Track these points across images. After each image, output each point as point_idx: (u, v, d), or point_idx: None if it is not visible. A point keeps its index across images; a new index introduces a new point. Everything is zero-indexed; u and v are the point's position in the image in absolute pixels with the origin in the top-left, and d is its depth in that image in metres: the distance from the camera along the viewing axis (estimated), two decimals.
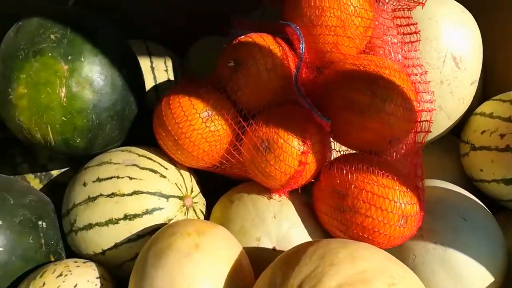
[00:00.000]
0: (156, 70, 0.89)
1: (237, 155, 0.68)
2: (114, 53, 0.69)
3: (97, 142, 0.71)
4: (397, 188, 0.63)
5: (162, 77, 0.90)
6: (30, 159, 0.83)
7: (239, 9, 0.85)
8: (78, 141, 0.68)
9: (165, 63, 0.92)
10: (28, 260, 0.63)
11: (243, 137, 0.66)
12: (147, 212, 0.65)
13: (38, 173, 0.83)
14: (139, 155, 0.70)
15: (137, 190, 0.66)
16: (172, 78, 0.92)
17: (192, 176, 0.75)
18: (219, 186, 0.81)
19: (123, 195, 0.65)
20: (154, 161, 0.70)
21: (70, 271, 0.60)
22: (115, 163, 0.68)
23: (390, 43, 0.67)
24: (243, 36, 0.71)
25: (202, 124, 0.66)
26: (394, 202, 0.62)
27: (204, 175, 0.78)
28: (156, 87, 0.89)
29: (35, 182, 0.82)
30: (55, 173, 0.83)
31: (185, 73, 0.79)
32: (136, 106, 0.73)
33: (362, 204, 0.63)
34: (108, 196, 0.65)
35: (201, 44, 1.03)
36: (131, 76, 0.72)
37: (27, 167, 0.83)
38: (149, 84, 0.85)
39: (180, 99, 0.67)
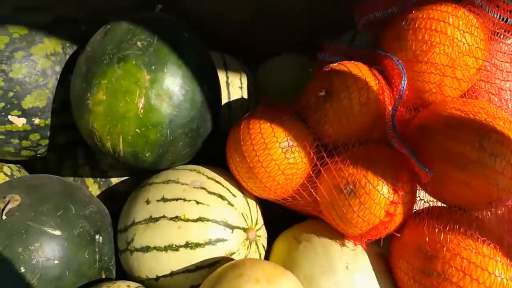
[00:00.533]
0: (231, 87, 0.85)
1: (314, 193, 0.61)
2: (197, 67, 0.65)
3: (166, 158, 0.67)
4: (499, 259, 0.54)
5: (236, 94, 0.86)
6: (92, 163, 0.81)
7: (326, 29, 0.79)
8: (147, 155, 0.64)
9: (240, 79, 0.87)
10: (81, 276, 0.59)
11: (324, 174, 0.60)
12: (210, 242, 0.60)
13: (98, 179, 0.80)
14: (208, 178, 0.65)
15: (203, 217, 0.61)
16: (245, 96, 0.87)
17: (257, 206, 0.69)
18: (278, 217, 0.75)
19: (188, 220, 0.60)
20: (223, 186, 0.65)
21: None
22: (182, 183, 0.64)
23: (508, 90, 0.58)
24: (336, 64, 0.65)
25: (281, 155, 0.60)
26: (494, 276, 0.53)
27: (263, 203, 0.72)
28: (229, 104, 0.85)
29: (94, 187, 0.79)
30: (114, 180, 0.80)
31: (264, 96, 0.73)
32: (211, 124, 0.69)
33: (454, 272, 0.55)
34: (171, 219, 0.61)
35: (275, 62, 0.98)
36: (211, 92, 0.67)
37: (88, 170, 0.81)
38: (223, 100, 0.80)
39: (261, 125, 0.62)
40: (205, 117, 0.67)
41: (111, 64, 0.61)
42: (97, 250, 0.62)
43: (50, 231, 0.57)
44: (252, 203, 0.67)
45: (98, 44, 0.64)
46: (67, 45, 0.74)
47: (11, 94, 0.68)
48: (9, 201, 0.57)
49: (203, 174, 0.66)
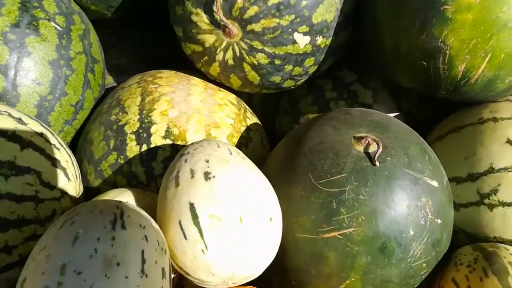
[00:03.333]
0: None
1: None
2: None
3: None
4: None
5: None
6: (347, 95, 0.66)
7: None
8: (506, 81, 0.48)
9: None
10: (449, 239, 0.46)
11: None
12: None
13: None
14: None
15: None
16: None
17: None
18: None
19: None
20: None
21: None
22: None
23: None
24: None
25: None
26: None
27: None
28: None
29: None
30: None
31: None
32: None
33: None
34: None
35: None
36: None
37: (344, 104, 0.66)
38: None
39: None
40: None
41: None
42: (452, 206, 0.48)
43: (429, 181, 0.43)
44: None
45: None
46: None
47: (303, 3, 0.51)
48: (370, 144, 0.42)
49: None
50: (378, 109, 0.65)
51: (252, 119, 0.64)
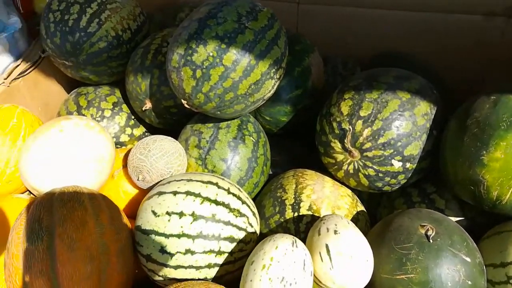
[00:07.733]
0: None
1: None
2: None
3: None
4: None
5: None
6: (428, 201, 0.98)
7: None
8: None
9: None
10: None
11: None
12: None
13: None
14: None
15: None
16: None
17: None
18: None
19: None
20: None
21: None
22: None
23: None
24: None
25: None
26: None
27: None
28: None
29: None
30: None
31: None
32: None
33: None
34: None
35: None
36: None
37: (425, 207, 0.97)
38: None
39: None
40: None
41: (508, 130, 0.76)
42: (484, 278, 0.76)
43: (464, 257, 0.73)
44: None
45: (489, 111, 0.80)
46: (431, 106, 0.93)
47: (399, 144, 0.89)
48: (428, 230, 0.75)
49: None
50: (448, 214, 0.95)
51: (361, 207, 0.99)
